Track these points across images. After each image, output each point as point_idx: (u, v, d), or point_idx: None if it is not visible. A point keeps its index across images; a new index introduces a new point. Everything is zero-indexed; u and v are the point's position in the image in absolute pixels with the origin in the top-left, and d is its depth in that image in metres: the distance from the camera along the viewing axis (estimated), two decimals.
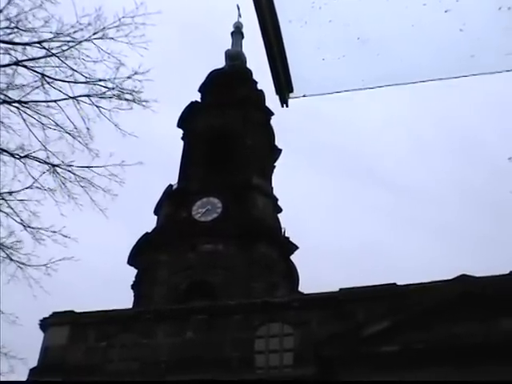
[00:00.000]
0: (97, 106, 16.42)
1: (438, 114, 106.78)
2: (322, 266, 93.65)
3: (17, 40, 16.12)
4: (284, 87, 3.96)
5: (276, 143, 51.41)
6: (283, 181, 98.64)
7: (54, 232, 16.91)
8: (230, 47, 56.30)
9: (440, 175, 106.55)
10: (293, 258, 44.33)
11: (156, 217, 45.50)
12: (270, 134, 50.71)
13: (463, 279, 25.89)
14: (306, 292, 32.31)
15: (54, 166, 16.44)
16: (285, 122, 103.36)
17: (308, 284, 42.77)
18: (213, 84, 51.80)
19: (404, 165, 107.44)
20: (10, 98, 16.14)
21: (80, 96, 16.42)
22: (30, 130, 16.32)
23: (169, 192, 45.47)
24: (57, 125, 16.34)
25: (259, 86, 52.51)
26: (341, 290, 29.11)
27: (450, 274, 26.27)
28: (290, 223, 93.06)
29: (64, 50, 16.13)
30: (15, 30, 15.98)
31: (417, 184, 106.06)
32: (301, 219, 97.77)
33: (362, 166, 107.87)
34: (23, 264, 16.94)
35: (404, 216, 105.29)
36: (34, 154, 16.47)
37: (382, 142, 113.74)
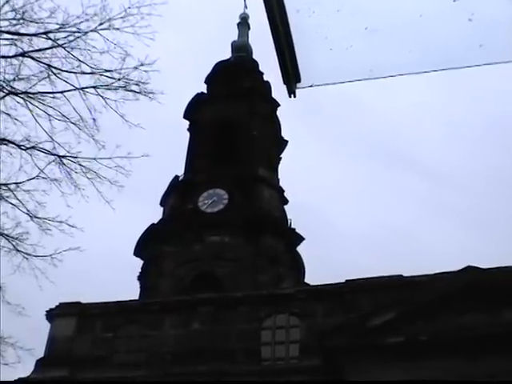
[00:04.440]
0: (103, 97, 16.45)
1: (470, 100, 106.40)
2: (351, 250, 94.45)
3: (23, 31, 16.15)
4: (291, 77, 3.94)
5: (283, 134, 51.40)
6: (316, 166, 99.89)
7: (61, 222, 16.99)
8: (236, 38, 56.19)
9: (471, 161, 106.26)
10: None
11: (162, 208, 45.53)
12: (276, 125, 50.63)
13: (469, 270, 25.87)
14: (313, 283, 32.24)
15: (60, 156, 16.46)
16: (321, 109, 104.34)
17: (338, 269, 42.83)
18: (219, 75, 51.71)
19: (435, 150, 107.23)
20: (16, 89, 16.17)
21: (86, 87, 16.43)
22: (37, 121, 16.36)
23: (175, 183, 45.47)
24: (63, 116, 16.38)
25: (265, 77, 52.48)
26: (347, 281, 29.14)
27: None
28: (321, 209, 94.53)
29: (70, 41, 16.15)
30: (21, 21, 16.00)
31: (448, 169, 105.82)
32: (333, 205, 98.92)
33: (393, 152, 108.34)
34: (29, 255, 17.00)
35: (434, 201, 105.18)
36: (40, 145, 16.50)
37: (414, 127, 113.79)
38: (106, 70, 16.40)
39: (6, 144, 16.50)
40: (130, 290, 42.76)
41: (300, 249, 44.67)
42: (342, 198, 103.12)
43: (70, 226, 17.20)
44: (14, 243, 16.86)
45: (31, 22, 16.02)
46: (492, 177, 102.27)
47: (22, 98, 16.13)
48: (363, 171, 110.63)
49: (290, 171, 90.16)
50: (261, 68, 53.21)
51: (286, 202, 46.44)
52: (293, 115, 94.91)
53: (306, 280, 42.55)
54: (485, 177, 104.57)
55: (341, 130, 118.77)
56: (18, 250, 16.89)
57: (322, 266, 65.06)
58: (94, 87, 16.43)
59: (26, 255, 16.96)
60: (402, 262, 67.36)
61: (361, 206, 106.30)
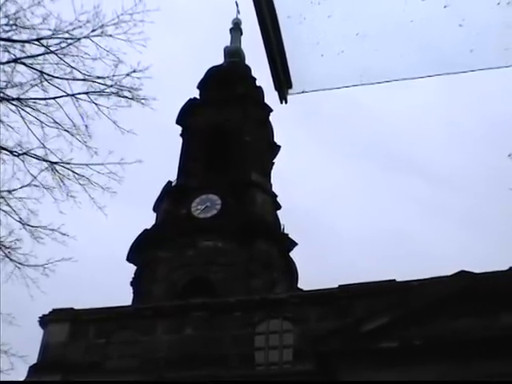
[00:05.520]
0: (95, 104, 16.43)
1: (470, 102, 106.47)
2: (350, 253, 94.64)
3: (15, 37, 16.12)
4: (283, 83, 3.95)
5: (275, 139, 51.47)
6: (315, 169, 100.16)
7: (53, 230, 16.92)
8: (228, 44, 56.26)
9: (471, 163, 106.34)
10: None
11: (155, 214, 45.50)
12: (269, 130, 50.70)
13: (462, 275, 25.92)
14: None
15: (52, 163, 16.44)
16: (320, 112, 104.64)
17: (337, 272, 42.64)
18: (211, 81, 51.77)
19: (435, 152, 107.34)
20: (8, 95, 16.14)
21: (79, 93, 16.43)
22: (29, 128, 16.33)
23: (168, 189, 45.47)
24: (55, 122, 16.35)
25: (258, 83, 52.55)
26: (340, 286, 29.15)
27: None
28: (320, 212, 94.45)
29: (62, 48, 16.13)
30: (14, 27, 15.97)
31: (448, 171, 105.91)
32: (331, 208, 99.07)
33: (393, 154, 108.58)
34: (21, 264, 16.93)
35: (434, 203, 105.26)
36: (32, 152, 16.48)
37: (413, 129, 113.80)
38: (99, 77, 16.38)
39: None
40: (124, 296, 42.73)
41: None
42: (341, 201, 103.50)
43: (62, 234, 17.16)
44: (6, 252, 16.81)
45: (24, 28, 16.00)
46: (492, 178, 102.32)
47: (15, 104, 16.10)
48: (362, 173, 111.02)
49: (288, 174, 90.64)
50: (253, 73, 53.36)
51: (279, 207, 46.51)
52: (291, 118, 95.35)
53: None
54: (485, 178, 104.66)
55: (340, 133, 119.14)
56: (11, 259, 16.83)
57: (322, 269, 65.15)
58: (86, 93, 16.42)
59: (18, 264, 16.91)
60: (400, 264, 67.52)
61: (360, 208, 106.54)
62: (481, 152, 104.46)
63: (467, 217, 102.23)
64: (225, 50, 55.56)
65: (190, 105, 50.16)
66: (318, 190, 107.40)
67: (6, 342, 19.25)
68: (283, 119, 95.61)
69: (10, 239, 16.85)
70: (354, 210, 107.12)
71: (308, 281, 43.14)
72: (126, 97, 16.51)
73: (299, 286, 42.62)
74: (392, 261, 77.83)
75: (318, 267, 73.30)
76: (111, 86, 16.32)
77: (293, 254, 44.60)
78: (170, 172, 48.51)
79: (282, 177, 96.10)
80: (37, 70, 16.11)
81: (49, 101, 16.24)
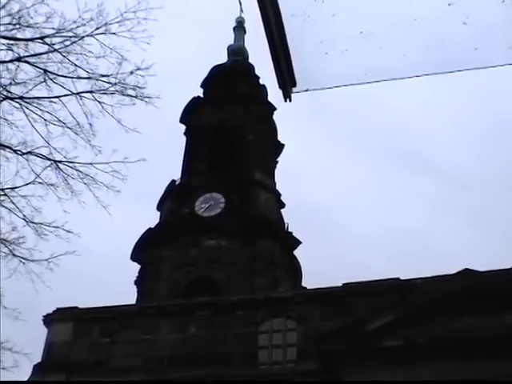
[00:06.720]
0: (99, 102, 16.44)
1: (480, 99, 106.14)
2: (362, 251, 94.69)
3: (19, 36, 16.15)
4: (287, 82, 3.95)
5: (285, 137, 51.58)
6: (326, 167, 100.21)
7: (57, 227, 16.97)
8: (232, 42, 56.25)
9: (482, 160, 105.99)
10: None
11: (159, 212, 45.51)
12: (272, 129, 50.67)
13: (466, 274, 25.88)
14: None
15: (56, 161, 16.45)
16: (331, 109, 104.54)
17: (348, 270, 42.70)
18: (215, 79, 51.76)
19: (445, 149, 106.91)
20: (12, 93, 16.17)
21: (83, 92, 16.43)
22: (33, 126, 16.35)
23: (172, 187, 45.47)
24: (59, 121, 16.37)
25: (261, 81, 52.52)
26: (344, 284, 29.14)
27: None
28: (331, 210, 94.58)
29: (66, 46, 16.15)
30: (17, 25, 16.00)
31: (459, 169, 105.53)
32: (342, 205, 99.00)
33: (403, 151, 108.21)
34: (25, 259, 16.97)
35: (444, 201, 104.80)
36: (36, 150, 16.50)
37: (423, 126, 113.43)
38: (103, 75, 16.40)
39: (2, 149, 16.51)
40: (128, 295, 42.77)
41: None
42: (350, 199, 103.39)
43: (66, 231, 17.19)
44: (10, 248, 16.84)
45: (27, 26, 16.03)
46: (499, 176, 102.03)
47: (19, 102, 16.13)
48: (371, 171, 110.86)
49: (298, 172, 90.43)
50: (257, 72, 53.33)
51: (282, 205, 46.48)
52: (301, 116, 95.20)
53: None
54: (492, 176, 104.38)
55: (349, 130, 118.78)
56: (15, 255, 16.87)
57: (331, 267, 65.18)
58: (90, 92, 16.44)
59: (22, 259, 16.95)
60: (408, 262, 67.47)
61: (369, 206, 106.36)
62: (488, 150, 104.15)
63: (473, 215, 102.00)
64: (228, 48, 55.55)
65: (194, 103, 50.16)
66: (327, 188, 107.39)
67: (10, 338, 19.34)
68: (293, 117, 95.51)
69: (13, 236, 16.90)
70: (363, 207, 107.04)
71: (315, 279, 43.12)
72: (130, 95, 16.54)
73: (306, 284, 42.64)
74: (400, 258, 77.76)
75: (326, 265, 73.21)
76: (115, 84, 16.35)
77: (298, 253, 44.65)
78: (174, 170, 48.52)
79: (292, 175, 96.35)
80: (40, 68, 16.14)
81: (53, 99, 16.27)
